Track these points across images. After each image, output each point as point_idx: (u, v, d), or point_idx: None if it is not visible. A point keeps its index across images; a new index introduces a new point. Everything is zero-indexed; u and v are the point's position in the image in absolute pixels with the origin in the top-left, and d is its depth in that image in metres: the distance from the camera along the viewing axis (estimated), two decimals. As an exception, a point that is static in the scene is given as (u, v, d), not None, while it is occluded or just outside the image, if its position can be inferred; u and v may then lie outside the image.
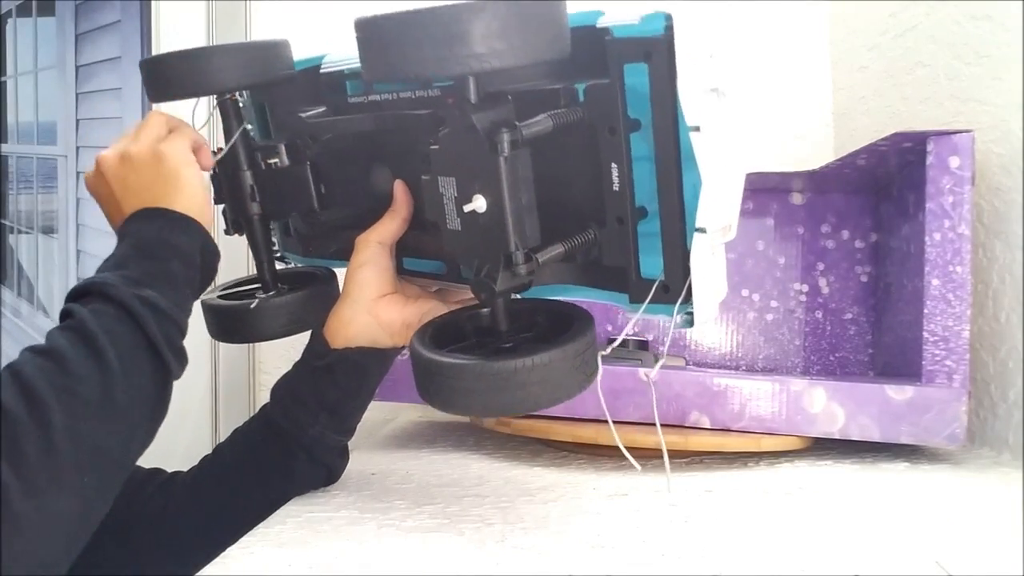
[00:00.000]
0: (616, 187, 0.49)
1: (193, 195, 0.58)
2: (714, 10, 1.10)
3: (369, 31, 0.45)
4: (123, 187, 0.58)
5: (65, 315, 0.51)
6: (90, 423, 0.46)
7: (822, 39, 1.10)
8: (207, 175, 0.64)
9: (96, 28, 1.12)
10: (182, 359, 0.53)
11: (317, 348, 0.62)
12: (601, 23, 0.47)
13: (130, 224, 0.57)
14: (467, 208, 0.47)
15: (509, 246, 0.47)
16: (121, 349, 0.49)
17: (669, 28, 0.45)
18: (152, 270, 0.54)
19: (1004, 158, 0.76)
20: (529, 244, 0.48)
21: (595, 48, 0.47)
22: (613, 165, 0.49)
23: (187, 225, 0.57)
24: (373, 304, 0.60)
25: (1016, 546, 0.49)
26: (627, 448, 0.76)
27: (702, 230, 0.46)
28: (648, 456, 0.77)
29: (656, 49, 0.46)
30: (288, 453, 0.61)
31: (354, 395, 0.62)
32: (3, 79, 1.13)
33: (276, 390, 0.64)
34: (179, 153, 0.59)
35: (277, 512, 0.59)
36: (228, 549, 0.50)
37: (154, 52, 1.11)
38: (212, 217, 0.60)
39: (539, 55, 0.44)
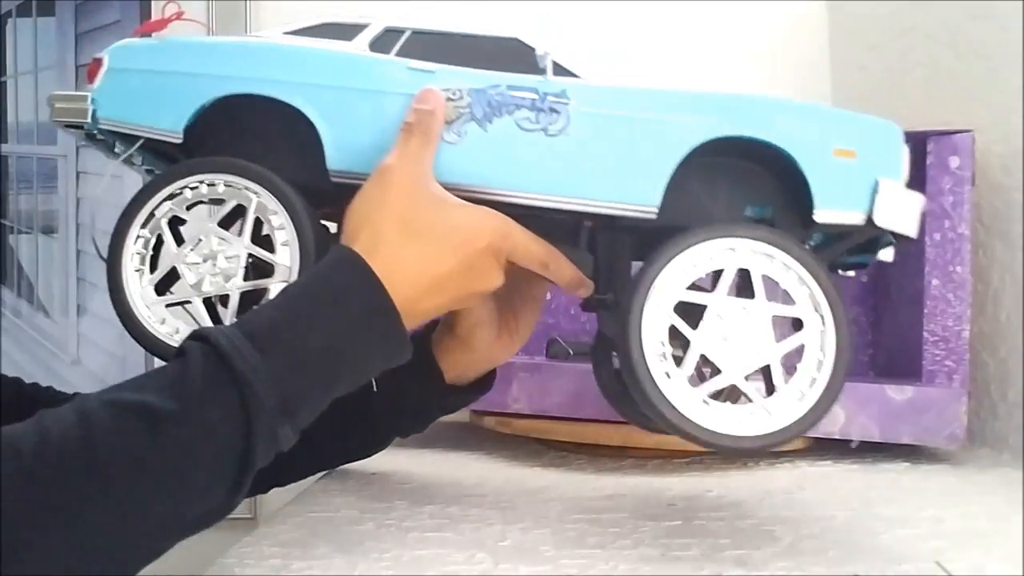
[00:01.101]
0: None
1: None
2: (715, 10, 1.10)
3: None
4: (397, 244, 0.45)
5: (187, 381, 0.38)
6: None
7: (822, 39, 1.10)
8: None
9: (96, 28, 1.12)
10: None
11: (438, 388, 0.60)
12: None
13: (353, 274, 0.44)
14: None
15: None
16: (208, 480, 0.39)
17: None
18: (319, 391, 0.42)
19: (1004, 158, 0.76)
20: None
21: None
22: None
23: (404, 346, 0.45)
24: (489, 351, 0.60)
25: (1016, 546, 0.49)
26: (627, 448, 0.76)
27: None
28: (648, 456, 0.77)
29: (906, 240, 0.48)
30: (393, 425, 0.64)
31: (464, 405, 0.64)
32: (3, 79, 1.13)
33: (389, 396, 0.61)
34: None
35: (277, 512, 0.59)
36: (228, 549, 0.50)
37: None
38: None
39: None
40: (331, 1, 1.12)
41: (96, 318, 1.10)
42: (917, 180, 0.78)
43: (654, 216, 0.47)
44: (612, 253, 0.52)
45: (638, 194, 0.47)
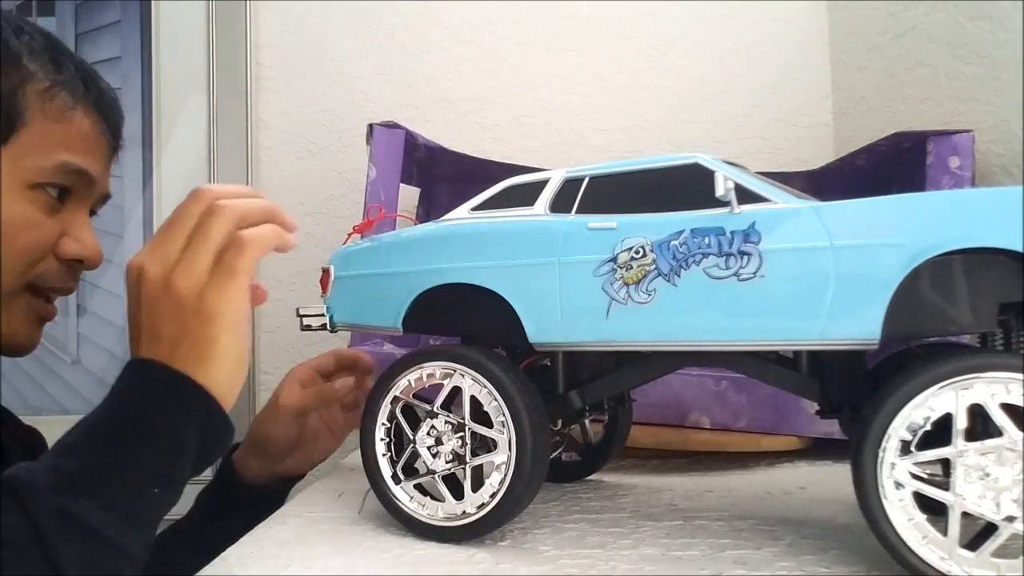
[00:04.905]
0: None
1: (225, 366, 0.47)
2: (715, 10, 1.10)
3: None
4: (150, 320, 0.47)
5: None
6: None
7: (822, 39, 1.10)
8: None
9: (96, 28, 1.12)
10: None
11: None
12: None
13: (127, 375, 0.46)
14: None
15: None
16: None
17: None
18: (110, 462, 0.42)
19: (1004, 158, 0.76)
20: None
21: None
22: None
23: (192, 398, 0.45)
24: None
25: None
26: (627, 448, 0.76)
27: None
28: (648, 456, 0.78)
29: None
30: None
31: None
32: (3, 79, 1.13)
33: None
34: (229, 311, 0.47)
35: (277, 512, 0.59)
36: (228, 549, 0.50)
37: (154, 52, 1.11)
38: (240, 384, 0.48)
39: None
40: (331, 1, 1.12)
41: (96, 318, 1.10)
42: (917, 180, 0.78)
43: (875, 346, 0.42)
44: (840, 374, 0.50)
45: (851, 328, 0.42)
